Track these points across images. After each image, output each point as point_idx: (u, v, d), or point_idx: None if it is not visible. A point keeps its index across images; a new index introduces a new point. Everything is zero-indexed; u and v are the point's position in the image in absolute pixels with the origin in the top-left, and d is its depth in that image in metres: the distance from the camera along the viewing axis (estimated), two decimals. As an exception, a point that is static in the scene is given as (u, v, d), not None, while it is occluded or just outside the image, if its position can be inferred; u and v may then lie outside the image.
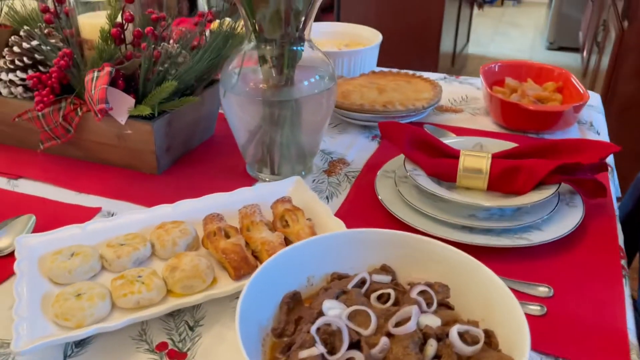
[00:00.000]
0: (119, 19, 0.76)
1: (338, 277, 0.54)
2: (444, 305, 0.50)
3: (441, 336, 0.45)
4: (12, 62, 0.80)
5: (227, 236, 0.63)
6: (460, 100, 1.11)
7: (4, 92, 0.84)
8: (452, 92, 1.15)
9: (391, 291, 0.50)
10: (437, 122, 1.00)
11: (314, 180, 0.81)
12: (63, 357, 0.52)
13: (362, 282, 0.52)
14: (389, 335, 0.46)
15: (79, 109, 0.80)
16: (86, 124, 0.81)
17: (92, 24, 0.81)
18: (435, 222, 0.68)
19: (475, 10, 4.18)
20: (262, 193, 0.72)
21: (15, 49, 0.80)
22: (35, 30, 0.80)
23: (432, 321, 0.46)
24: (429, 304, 0.49)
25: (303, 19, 0.71)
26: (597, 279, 0.61)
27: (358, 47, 1.17)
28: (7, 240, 0.66)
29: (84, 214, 0.73)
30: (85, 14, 0.83)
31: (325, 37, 1.26)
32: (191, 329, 0.55)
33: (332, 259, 0.55)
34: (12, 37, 0.81)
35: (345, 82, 1.05)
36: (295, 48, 0.73)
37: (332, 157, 0.88)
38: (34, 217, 0.70)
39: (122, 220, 0.67)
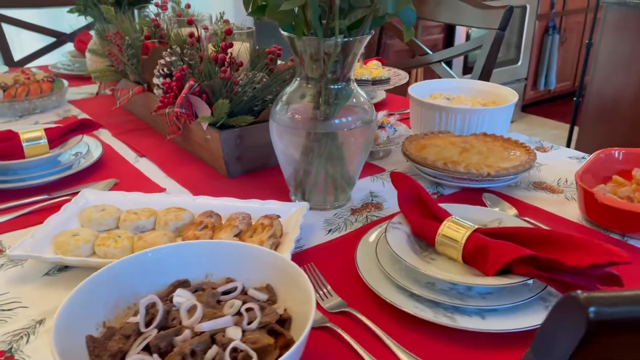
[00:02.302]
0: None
1: (231, 281, 0.61)
2: (274, 329, 0.53)
3: (225, 346, 0.49)
4: (159, 70, 1.06)
5: (204, 229, 0.74)
6: (571, 182, 0.99)
7: (156, 92, 1.11)
8: (572, 173, 1.02)
9: (236, 301, 0.55)
10: (520, 197, 0.92)
11: (336, 214, 0.86)
12: (45, 273, 0.70)
13: (235, 289, 0.58)
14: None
15: (186, 112, 1.01)
16: (189, 125, 1.02)
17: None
18: (384, 276, 0.67)
19: None
20: (269, 208, 0.81)
21: (162, 61, 1.06)
22: (176, 49, 1.04)
23: (234, 334, 0.50)
24: (252, 321, 0.52)
25: (336, 62, 0.78)
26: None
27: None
28: (85, 192, 0.90)
29: (152, 189, 0.93)
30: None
31: (468, 93, 1.25)
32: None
33: (230, 265, 0.61)
34: (164, 52, 1.07)
35: (442, 137, 1.05)
36: (331, 87, 0.80)
37: (372, 200, 0.90)
38: (115, 181, 0.92)
39: (151, 198, 0.84)
